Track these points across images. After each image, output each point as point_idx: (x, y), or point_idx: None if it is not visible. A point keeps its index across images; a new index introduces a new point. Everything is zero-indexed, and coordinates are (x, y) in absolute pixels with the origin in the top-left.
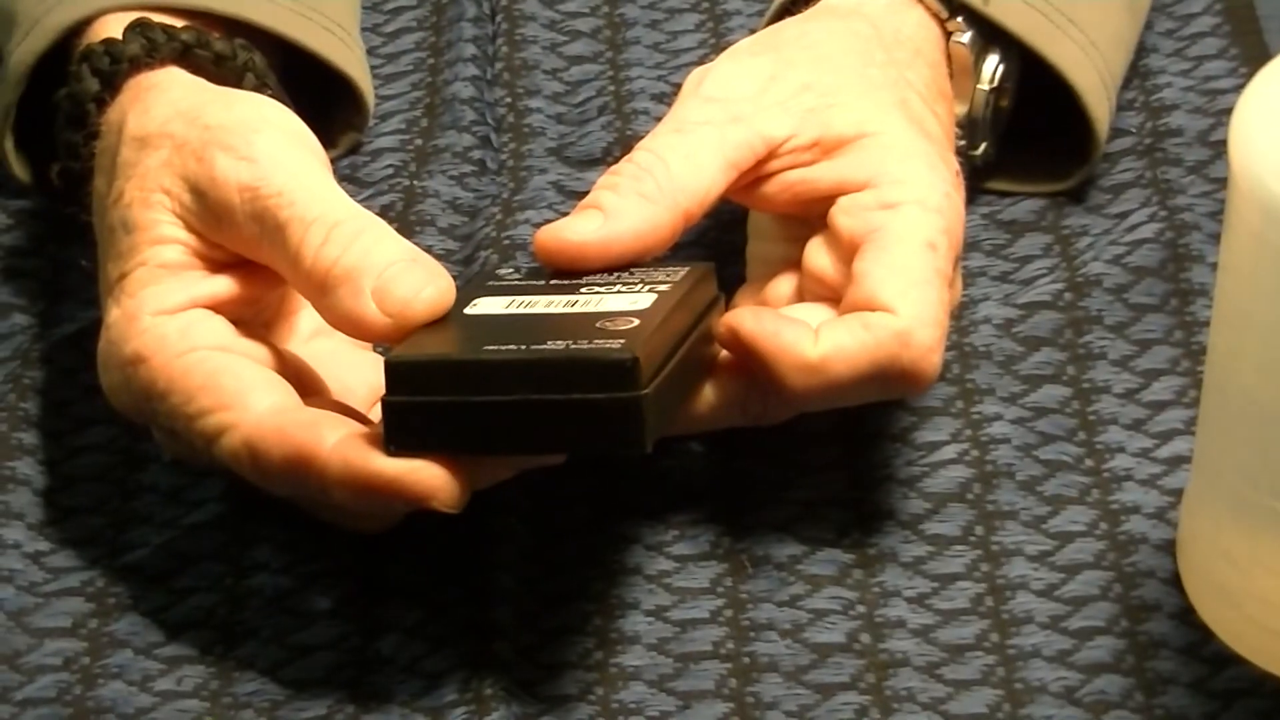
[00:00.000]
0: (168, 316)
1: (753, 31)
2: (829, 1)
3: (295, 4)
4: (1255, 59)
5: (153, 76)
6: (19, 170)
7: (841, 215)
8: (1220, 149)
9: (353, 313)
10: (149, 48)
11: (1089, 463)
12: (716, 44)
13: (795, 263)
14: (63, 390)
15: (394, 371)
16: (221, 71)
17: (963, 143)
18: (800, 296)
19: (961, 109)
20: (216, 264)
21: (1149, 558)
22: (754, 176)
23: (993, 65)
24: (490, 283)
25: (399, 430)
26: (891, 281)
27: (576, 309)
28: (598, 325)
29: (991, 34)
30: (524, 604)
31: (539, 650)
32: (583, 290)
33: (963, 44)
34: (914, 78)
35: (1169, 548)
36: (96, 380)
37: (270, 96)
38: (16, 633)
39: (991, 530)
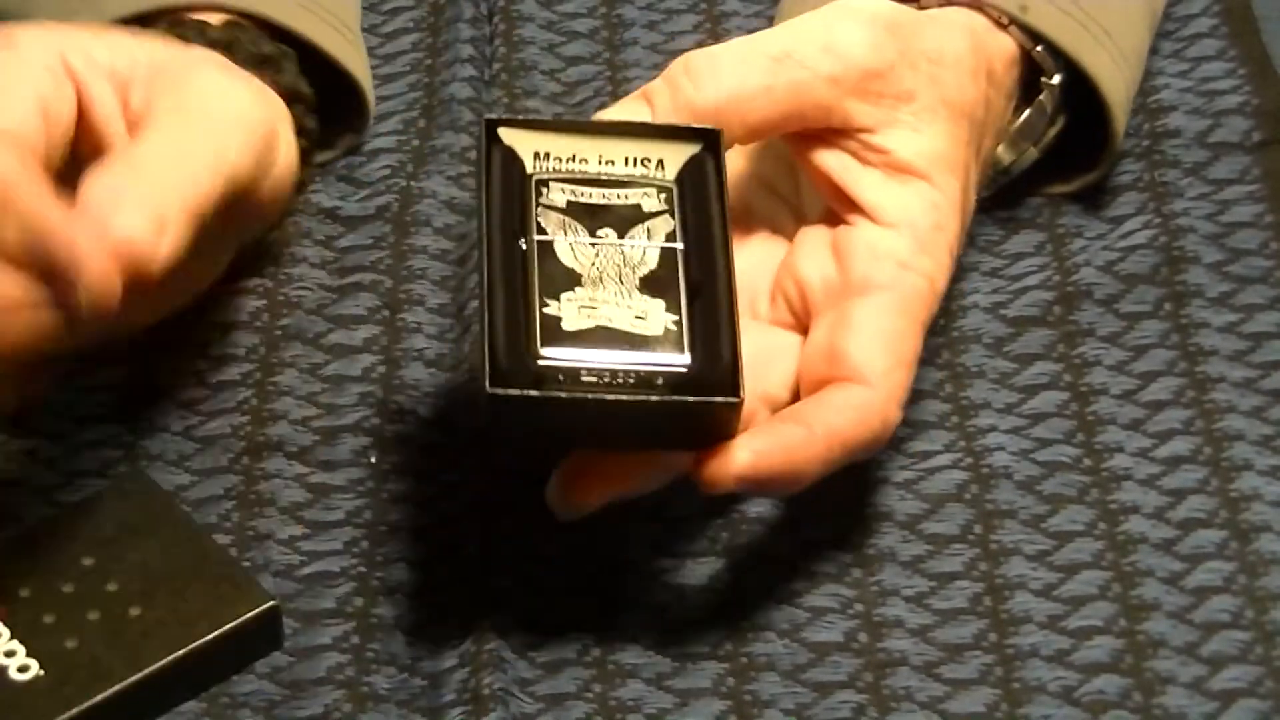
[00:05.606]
0: None
1: (748, 32)
2: (964, 20)
3: (308, 1)
4: (1253, 60)
5: None
6: None
7: (860, 246)
8: (1218, 150)
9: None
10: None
11: (1087, 462)
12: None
13: (766, 218)
14: (59, 392)
15: (491, 399)
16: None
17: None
18: (772, 296)
19: (1009, 158)
20: None
21: (1148, 557)
22: (816, 133)
23: (1054, 129)
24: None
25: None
26: (877, 354)
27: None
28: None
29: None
30: (521, 602)
31: (536, 648)
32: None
33: (1054, 88)
34: (989, 144)
35: (1168, 547)
36: (93, 381)
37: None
38: None
39: (990, 529)
